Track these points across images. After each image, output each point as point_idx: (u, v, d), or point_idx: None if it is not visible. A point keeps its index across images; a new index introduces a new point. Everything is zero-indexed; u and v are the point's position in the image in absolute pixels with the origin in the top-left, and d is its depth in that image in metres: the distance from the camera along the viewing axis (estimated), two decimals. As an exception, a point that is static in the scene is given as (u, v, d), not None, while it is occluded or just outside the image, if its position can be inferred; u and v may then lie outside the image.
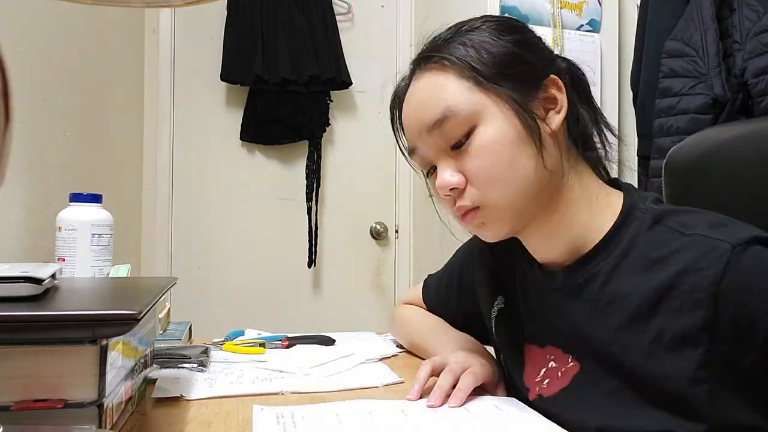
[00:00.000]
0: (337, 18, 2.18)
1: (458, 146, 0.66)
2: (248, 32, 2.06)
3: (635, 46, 1.74)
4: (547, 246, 0.71)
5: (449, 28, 0.71)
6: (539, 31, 1.83)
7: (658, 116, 1.56)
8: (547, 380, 0.72)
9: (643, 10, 1.72)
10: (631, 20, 1.84)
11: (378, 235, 2.28)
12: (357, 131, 2.27)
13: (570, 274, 0.69)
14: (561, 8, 1.74)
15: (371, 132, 2.26)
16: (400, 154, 0.75)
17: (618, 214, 0.68)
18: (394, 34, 2.31)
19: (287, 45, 2.06)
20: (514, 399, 0.75)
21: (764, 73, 1.38)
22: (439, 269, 1.01)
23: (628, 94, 1.78)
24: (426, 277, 1.05)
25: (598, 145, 0.73)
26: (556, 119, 0.67)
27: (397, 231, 2.31)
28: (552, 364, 0.72)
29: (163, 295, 0.65)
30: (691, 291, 0.58)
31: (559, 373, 0.71)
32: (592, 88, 0.75)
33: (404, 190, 2.31)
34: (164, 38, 2.10)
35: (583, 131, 0.72)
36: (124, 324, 0.47)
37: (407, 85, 0.72)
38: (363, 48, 2.25)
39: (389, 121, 0.78)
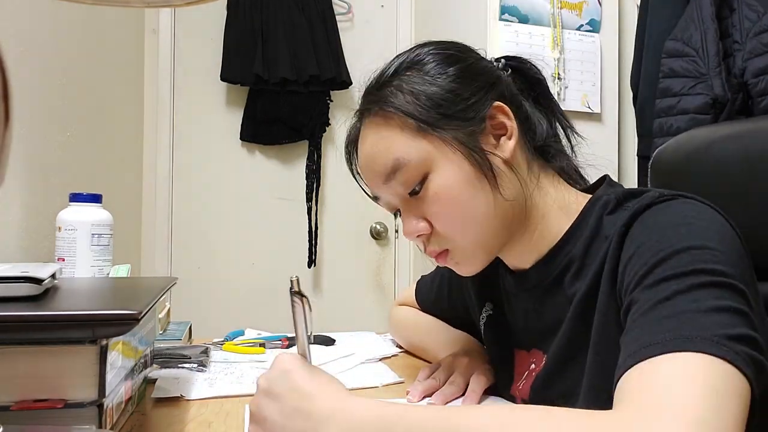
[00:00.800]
0: (337, 18, 2.18)
1: (416, 193, 0.66)
2: (248, 32, 2.06)
3: (635, 46, 1.74)
4: (525, 258, 0.71)
5: (389, 64, 0.71)
6: (539, 31, 1.83)
7: (658, 116, 1.56)
8: (523, 383, 0.73)
9: (643, 10, 1.72)
10: (631, 20, 1.84)
11: (378, 235, 2.28)
12: (357, 131, 2.26)
13: (546, 267, 0.69)
14: (561, 8, 1.74)
15: (371, 132, 2.26)
16: (375, 202, 0.75)
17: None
18: (394, 34, 2.31)
19: (287, 45, 2.06)
20: (501, 398, 0.76)
21: (764, 73, 1.39)
22: (431, 270, 1.01)
23: (628, 94, 1.78)
24: (419, 278, 1.05)
25: (563, 144, 0.73)
26: (509, 145, 0.67)
27: (397, 231, 2.31)
28: (532, 366, 0.72)
29: (162, 295, 0.65)
30: (612, 255, 0.59)
31: (534, 374, 0.71)
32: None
33: (404, 190, 2.31)
34: (164, 38, 2.10)
35: (542, 141, 0.71)
36: (125, 324, 0.47)
37: (357, 132, 0.73)
38: (363, 48, 2.25)
39: (349, 169, 0.78)
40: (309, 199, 2.19)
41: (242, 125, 2.15)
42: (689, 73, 1.51)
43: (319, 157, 2.20)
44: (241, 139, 2.16)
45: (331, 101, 2.19)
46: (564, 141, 0.74)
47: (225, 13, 2.09)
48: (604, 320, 0.59)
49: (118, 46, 1.74)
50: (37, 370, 0.46)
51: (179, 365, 0.87)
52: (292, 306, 0.56)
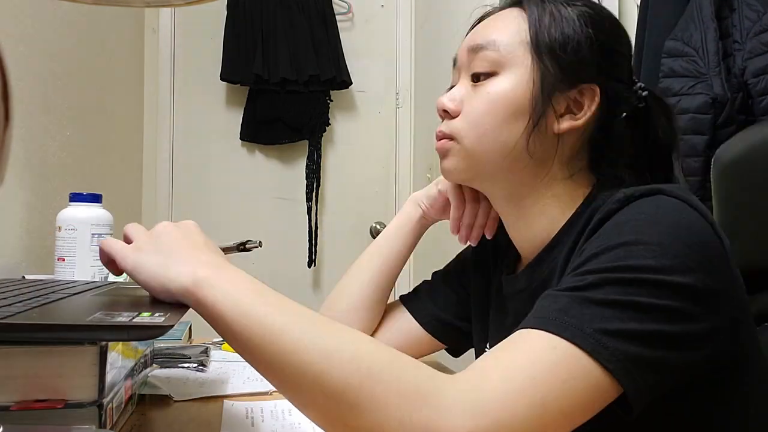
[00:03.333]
0: (337, 18, 2.18)
1: (477, 81, 0.68)
2: (248, 32, 2.06)
3: (635, 45, 1.74)
4: (522, 231, 0.71)
5: None
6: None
7: (658, 116, 1.56)
8: None
9: (643, 9, 1.72)
10: (631, 20, 1.84)
11: (378, 234, 2.28)
12: (357, 131, 2.27)
13: (533, 272, 0.69)
14: (561, 8, 1.74)
15: (371, 132, 2.26)
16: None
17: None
18: (394, 34, 2.31)
19: (287, 45, 2.06)
20: None
21: (764, 72, 1.38)
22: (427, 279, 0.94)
23: (628, 94, 1.78)
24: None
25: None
26: (567, 123, 0.66)
27: (397, 231, 2.31)
28: None
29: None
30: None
31: None
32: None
33: (404, 190, 2.31)
34: (164, 38, 2.10)
35: (602, 159, 0.69)
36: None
37: (497, 11, 0.73)
38: (363, 48, 2.25)
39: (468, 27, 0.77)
40: (309, 199, 2.19)
41: (242, 125, 2.15)
42: (689, 73, 1.51)
43: (319, 157, 2.20)
44: (241, 139, 2.16)
45: (331, 101, 2.19)
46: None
47: (225, 13, 2.09)
48: None
49: (118, 46, 1.74)
50: (37, 370, 0.46)
51: (179, 365, 0.87)
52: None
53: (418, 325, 0.86)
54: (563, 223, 0.67)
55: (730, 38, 1.47)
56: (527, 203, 0.69)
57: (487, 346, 0.79)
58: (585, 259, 0.53)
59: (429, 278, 0.93)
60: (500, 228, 0.77)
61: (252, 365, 0.49)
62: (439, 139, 0.70)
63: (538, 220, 0.69)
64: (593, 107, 0.66)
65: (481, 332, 0.82)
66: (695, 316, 0.49)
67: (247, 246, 0.57)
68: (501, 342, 0.50)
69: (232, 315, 0.48)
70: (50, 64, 1.22)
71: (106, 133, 1.60)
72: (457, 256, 0.90)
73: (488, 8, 0.75)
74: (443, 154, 0.71)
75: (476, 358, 0.83)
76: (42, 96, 1.18)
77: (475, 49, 0.68)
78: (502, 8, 0.73)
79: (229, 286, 0.50)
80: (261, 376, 0.50)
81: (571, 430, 0.47)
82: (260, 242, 0.58)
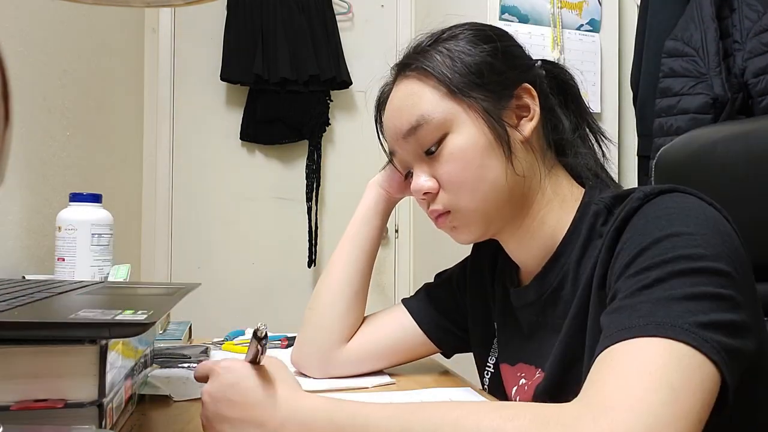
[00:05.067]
0: (337, 18, 2.18)
1: (431, 153, 0.68)
2: (248, 32, 2.06)
3: (635, 45, 1.74)
4: (524, 247, 0.72)
5: (430, 35, 0.73)
6: (539, 30, 1.83)
7: (658, 116, 1.56)
8: (518, 397, 0.73)
9: (643, 9, 1.72)
10: (631, 20, 1.84)
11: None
12: (357, 131, 2.26)
13: (542, 283, 0.69)
14: (561, 8, 1.74)
15: (371, 132, 2.24)
16: (389, 159, 0.77)
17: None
18: (394, 34, 2.31)
19: (287, 45, 2.06)
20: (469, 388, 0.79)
21: (764, 72, 1.39)
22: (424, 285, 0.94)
23: (628, 94, 1.78)
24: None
25: (582, 150, 0.73)
26: (528, 126, 0.69)
27: (397, 231, 2.31)
28: (522, 381, 0.73)
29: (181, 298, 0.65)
30: (602, 260, 0.60)
31: (526, 388, 0.71)
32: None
33: (404, 190, 2.31)
34: (164, 38, 2.10)
35: (560, 137, 0.73)
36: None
37: (390, 90, 0.74)
38: (363, 48, 2.25)
39: (374, 125, 0.80)
40: (309, 199, 2.19)
41: (242, 125, 2.15)
42: (689, 73, 1.51)
43: (319, 156, 2.20)
44: (241, 139, 2.16)
45: (331, 101, 2.19)
46: (593, 147, 0.76)
47: (225, 13, 2.09)
48: (595, 324, 0.59)
49: (118, 46, 1.74)
50: (37, 370, 0.46)
51: (179, 365, 0.87)
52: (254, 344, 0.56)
53: (419, 328, 0.86)
54: (564, 232, 0.68)
55: (731, 38, 1.47)
56: (527, 221, 0.70)
57: (491, 358, 0.81)
58: (632, 257, 0.54)
59: (430, 280, 0.93)
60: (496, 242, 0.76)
61: None
62: (437, 218, 0.71)
63: (538, 232, 0.70)
64: (536, 101, 0.69)
65: (483, 337, 0.82)
66: (743, 302, 0.51)
67: (261, 336, 0.56)
68: (596, 366, 0.48)
69: None
70: (50, 64, 1.22)
71: (106, 133, 1.60)
72: (459, 263, 0.90)
73: (379, 92, 0.78)
74: (450, 229, 0.71)
75: (476, 363, 0.83)
76: (42, 96, 1.18)
77: (409, 134, 0.69)
78: (392, 84, 0.74)
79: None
80: None
81: (704, 419, 0.45)
82: (265, 325, 0.56)
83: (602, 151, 0.76)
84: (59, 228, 0.98)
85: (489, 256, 0.82)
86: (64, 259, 0.97)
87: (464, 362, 0.91)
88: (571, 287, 0.66)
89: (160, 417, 0.67)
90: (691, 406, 0.44)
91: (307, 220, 2.19)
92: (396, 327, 0.87)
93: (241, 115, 2.15)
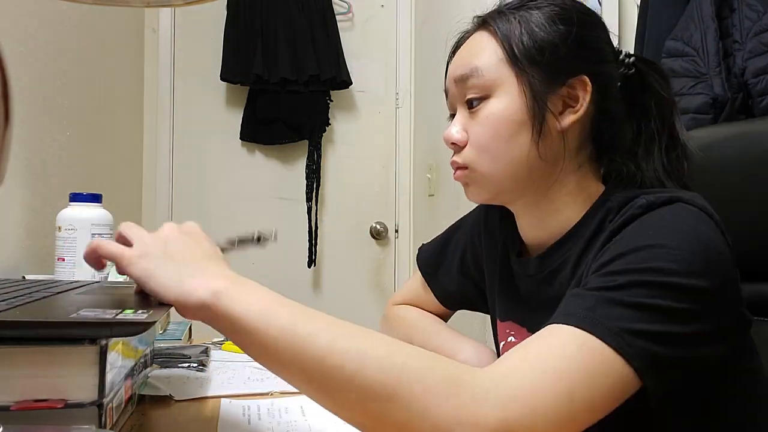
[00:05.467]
0: (337, 18, 2.18)
1: (473, 107, 0.70)
2: (248, 32, 2.06)
3: (635, 45, 1.74)
4: (535, 228, 0.74)
5: None
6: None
7: (658, 116, 1.56)
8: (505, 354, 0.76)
9: (643, 9, 1.72)
10: (631, 20, 1.84)
11: (378, 235, 2.28)
12: (357, 131, 2.26)
13: (543, 261, 0.72)
14: (561, 8, 1.74)
15: (371, 132, 2.26)
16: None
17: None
18: (394, 34, 2.30)
19: (287, 45, 2.06)
20: None
21: (764, 72, 1.38)
22: (434, 238, 1.00)
23: (628, 94, 1.78)
24: (420, 245, 1.03)
25: (643, 161, 0.71)
26: (569, 118, 0.69)
27: (397, 231, 2.31)
28: (511, 338, 0.77)
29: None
30: (594, 257, 0.62)
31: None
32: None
33: (404, 190, 2.31)
34: (164, 38, 2.10)
35: (611, 141, 0.72)
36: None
37: (466, 38, 0.75)
38: (363, 48, 2.25)
39: (446, 60, 0.79)
40: (309, 199, 2.19)
41: (242, 125, 2.15)
42: (689, 73, 1.51)
43: (319, 157, 2.20)
44: (241, 139, 2.16)
45: (331, 101, 2.19)
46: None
47: (225, 13, 2.09)
48: None
49: (118, 46, 1.74)
50: (37, 370, 0.46)
51: (179, 365, 0.87)
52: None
53: (437, 300, 0.97)
54: (576, 221, 0.70)
55: (730, 38, 1.47)
56: (543, 204, 0.72)
57: (496, 315, 0.84)
58: (611, 258, 0.57)
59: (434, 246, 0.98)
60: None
61: (277, 373, 0.50)
62: (456, 170, 0.73)
63: (552, 219, 0.72)
64: (587, 96, 0.69)
65: (492, 295, 0.86)
66: (709, 317, 0.54)
67: (262, 238, 0.57)
68: (530, 336, 0.53)
69: (256, 326, 0.48)
70: (50, 64, 1.22)
71: (106, 133, 1.60)
72: (472, 218, 0.93)
73: (459, 35, 0.78)
74: (463, 183, 0.74)
75: (492, 324, 0.87)
76: (42, 96, 1.18)
77: (461, 80, 0.71)
78: (471, 32, 0.75)
79: (250, 298, 0.50)
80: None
81: (595, 421, 0.50)
82: (275, 233, 0.58)
83: (681, 163, 0.72)
84: (59, 228, 0.98)
85: (498, 217, 0.85)
86: (64, 259, 0.97)
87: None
88: (569, 274, 0.68)
89: (160, 417, 0.67)
90: (584, 420, 0.48)
91: (307, 220, 2.19)
92: (420, 301, 0.99)
93: (241, 115, 2.15)
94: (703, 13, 1.50)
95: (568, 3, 0.72)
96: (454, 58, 0.75)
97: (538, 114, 0.67)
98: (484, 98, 0.69)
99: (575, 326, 0.51)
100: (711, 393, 0.60)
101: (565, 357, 0.49)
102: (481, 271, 0.88)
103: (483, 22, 0.73)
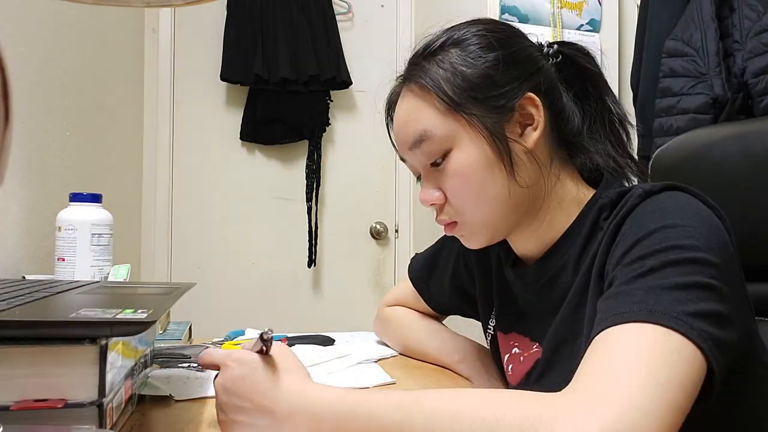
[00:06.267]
0: (337, 18, 2.18)
1: (437, 164, 0.69)
2: (248, 32, 2.06)
3: (635, 46, 1.74)
4: (530, 244, 0.74)
5: (437, 36, 0.72)
6: (539, 30, 1.82)
7: (658, 116, 1.56)
8: (510, 365, 0.77)
9: (643, 9, 1.72)
10: (631, 20, 1.84)
11: (378, 235, 2.28)
12: (357, 131, 2.27)
13: (542, 267, 0.72)
14: (561, 8, 1.75)
15: (371, 132, 2.26)
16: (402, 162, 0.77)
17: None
18: (394, 34, 2.31)
19: (287, 45, 2.06)
20: None
21: (764, 72, 1.38)
22: (426, 249, 1.01)
23: (628, 94, 1.78)
24: (414, 255, 1.04)
25: (599, 142, 0.73)
26: (532, 136, 0.68)
27: (397, 231, 2.31)
28: (515, 350, 0.76)
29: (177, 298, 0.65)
30: (602, 251, 0.62)
31: (522, 358, 0.74)
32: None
33: (404, 190, 2.31)
34: (164, 38, 2.10)
35: (571, 135, 0.72)
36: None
37: (396, 98, 0.75)
38: (363, 48, 2.25)
39: (386, 128, 0.81)
40: (309, 199, 2.19)
41: (242, 125, 2.15)
42: (689, 73, 1.51)
43: (319, 157, 2.20)
44: (241, 139, 2.16)
45: (331, 101, 2.19)
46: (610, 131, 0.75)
47: (225, 13, 2.09)
48: (593, 310, 0.61)
49: (118, 46, 1.74)
50: (37, 370, 0.46)
51: (179, 365, 0.87)
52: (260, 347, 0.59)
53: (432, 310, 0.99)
54: (568, 225, 0.70)
55: (730, 38, 1.47)
56: (535, 223, 0.71)
57: (492, 321, 0.84)
58: (628, 247, 0.56)
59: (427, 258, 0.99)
60: None
61: None
62: (446, 226, 0.73)
63: (545, 231, 0.71)
64: (539, 109, 0.68)
65: (486, 303, 0.86)
66: (728, 296, 0.53)
67: (267, 339, 0.59)
68: (590, 349, 0.51)
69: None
70: (50, 64, 1.22)
71: (106, 133, 1.60)
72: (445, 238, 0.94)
73: (393, 96, 0.78)
74: (459, 238, 0.74)
75: (482, 324, 0.87)
76: (42, 96, 1.18)
77: (413, 146, 0.70)
78: (398, 92, 0.74)
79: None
80: None
81: (691, 405, 0.47)
82: (271, 330, 0.60)
83: (626, 135, 0.75)
84: (59, 228, 0.98)
85: None
86: (64, 259, 0.97)
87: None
88: (571, 275, 0.68)
89: (160, 417, 0.67)
90: (675, 400, 0.45)
91: (307, 220, 2.19)
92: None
93: (241, 115, 2.15)
94: (703, 13, 1.50)
95: (481, 28, 0.71)
96: (395, 127, 0.74)
97: (502, 149, 0.66)
98: (444, 154, 0.68)
99: (635, 321, 0.49)
100: (733, 381, 0.57)
101: (641, 352, 0.47)
102: (474, 283, 0.88)
103: (407, 81, 0.72)
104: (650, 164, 0.95)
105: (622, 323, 0.50)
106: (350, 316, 2.19)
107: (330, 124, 2.21)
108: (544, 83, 0.70)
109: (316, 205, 2.20)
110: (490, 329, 0.84)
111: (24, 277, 0.99)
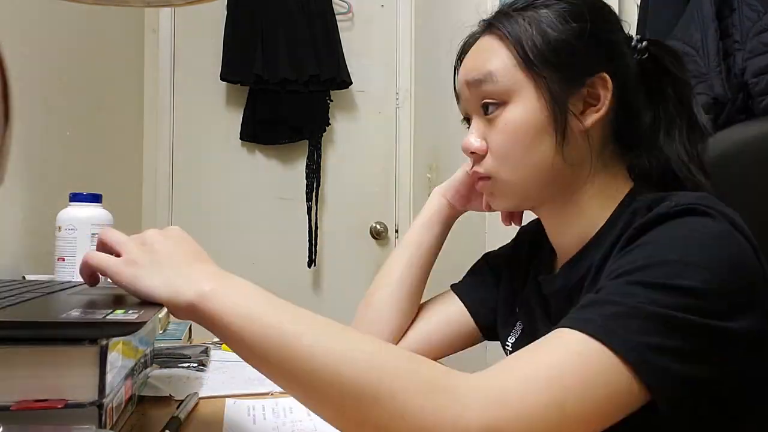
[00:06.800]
0: (337, 18, 2.18)
1: (489, 113, 0.68)
2: (248, 32, 2.06)
3: (635, 45, 1.74)
4: (561, 230, 0.72)
5: None
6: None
7: (658, 116, 1.56)
8: None
9: (643, 9, 1.72)
10: (631, 20, 1.84)
11: (378, 235, 2.28)
12: (357, 131, 2.26)
13: (570, 272, 0.69)
14: (561, 8, 1.74)
15: (371, 132, 2.26)
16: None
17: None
18: (394, 34, 2.30)
19: (287, 44, 2.06)
20: None
21: (764, 72, 1.38)
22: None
23: (628, 94, 1.78)
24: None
25: (665, 148, 0.69)
26: (592, 117, 0.67)
27: (397, 231, 2.31)
28: None
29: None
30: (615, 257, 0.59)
31: None
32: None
33: (404, 190, 2.31)
34: (164, 38, 2.10)
35: (634, 135, 0.70)
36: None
37: (474, 40, 0.73)
38: (363, 48, 2.25)
39: (453, 65, 0.77)
40: (309, 199, 2.19)
41: (242, 125, 2.15)
42: (689, 73, 1.51)
43: (319, 156, 2.20)
44: (241, 139, 2.16)
45: (331, 101, 2.19)
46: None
47: (225, 13, 2.09)
48: None
49: (118, 46, 1.74)
50: (37, 370, 0.46)
51: (179, 365, 0.87)
52: None
53: (467, 313, 0.86)
54: (602, 224, 0.68)
55: (731, 38, 1.47)
56: (569, 206, 0.70)
57: (511, 338, 0.80)
58: (633, 267, 0.53)
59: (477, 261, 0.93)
60: (539, 228, 0.77)
61: (263, 372, 0.49)
62: (478, 179, 0.71)
63: (578, 220, 0.69)
64: (609, 93, 0.67)
65: (506, 318, 0.82)
66: (731, 336, 0.50)
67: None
68: (542, 339, 0.50)
69: (241, 324, 0.48)
70: (50, 64, 1.22)
71: (106, 133, 1.60)
72: (508, 246, 0.90)
73: (465, 38, 0.76)
74: (487, 194, 0.72)
75: (502, 347, 0.83)
76: (42, 96, 1.17)
77: (474, 84, 0.69)
78: (477, 35, 0.73)
79: (237, 297, 0.51)
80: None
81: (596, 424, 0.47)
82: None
83: (697, 149, 0.70)
84: (59, 228, 0.98)
85: (528, 244, 0.83)
86: (64, 259, 0.97)
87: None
88: (591, 280, 0.65)
89: (160, 417, 0.67)
90: (574, 406, 0.45)
91: (307, 220, 2.19)
92: (444, 318, 0.87)
93: (241, 115, 2.15)
94: (703, 13, 1.50)
95: None
96: (464, 61, 0.73)
97: (559, 119, 0.65)
98: (500, 104, 0.67)
99: (585, 332, 0.48)
100: (729, 414, 0.54)
101: (563, 363, 0.46)
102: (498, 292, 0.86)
103: (489, 25, 0.70)
104: None
105: (580, 330, 0.48)
106: (350, 316, 2.18)
107: (330, 124, 2.21)
108: (621, 71, 0.68)
109: (316, 205, 2.20)
110: (508, 346, 0.80)
111: (24, 277, 0.99)
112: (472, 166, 0.71)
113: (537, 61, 0.66)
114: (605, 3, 0.73)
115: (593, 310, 0.50)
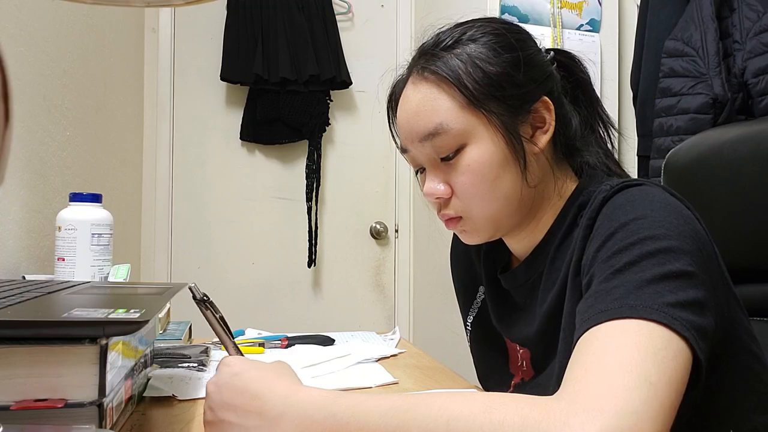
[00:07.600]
0: (337, 18, 2.18)
1: (447, 159, 0.68)
2: (248, 32, 2.06)
3: (635, 45, 1.74)
4: (524, 243, 0.74)
5: (451, 31, 0.71)
6: (539, 30, 1.82)
7: (658, 116, 1.56)
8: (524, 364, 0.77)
9: (643, 9, 1.72)
10: (631, 20, 1.84)
11: (378, 234, 2.28)
12: (357, 131, 2.27)
13: (529, 266, 0.73)
14: (561, 8, 1.74)
15: (371, 132, 2.26)
16: (401, 153, 0.77)
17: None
18: (394, 34, 2.31)
19: (287, 44, 2.06)
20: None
21: (764, 72, 1.38)
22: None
23: (628, 94, 1.78)
24: None
25: (593, 147, 0.75)
26: (543, 139, 0.69)
27: (397, 231, 2.31)
28: (518, 357, 0.77)
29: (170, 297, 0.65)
30: (578, 247, 0.63)
31: (524, 363, 0.75)
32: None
33: (404, 189, 2.31)
34: (164, 38, 2.10)
35: (571, 139, 0.73)
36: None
37: (404, 85, 0.73)
38: (363, 48, 2.25)
39: (386, 116, 0.81)
40: (309, 199, 2.19)
41: (242, 125, 2.15)
42: (689, 73, 1.51)
43: (319, 156, 2.20)
44: (241, 139, 2.16)
45: (331, 101, 2.19)
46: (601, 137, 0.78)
47: (225, 13, 2.09)
48: (571, 307, 0.62)
49: (118, 46, 1.74)
50: (37, 370, 0.46)
51: (179, 365, 0.87)
52: (202, 313, 0.58)
53: None
54: (551, 222, 0.71)
55: (730, 38, 1.47)
56: (533, 222, 0.72)
57: (470, 317, 0.85)
58: (602, 241, 0.57)
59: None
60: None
61: None
62: (447, 221, 0.72)
63: (537, 228, 0.73)
64: (551, 113, 0.69)
65: (465, 301, 0.87)
66: (705, 282, 0.54)
67: (199, 298, 0.59)
68: (577, 350, 0.50)
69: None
70: (50, 64, 1.22)
71: (106, 133, 1.60)
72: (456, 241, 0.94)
73: (400, 84, 0.76)
74: (459, 232, 0.73)
75: (464, 326, 0.88)
76: (42, 96, 1.17)
77: (426, 138, 0.68)
78: (411, 80, 0.71)
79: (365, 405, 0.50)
80: None
81: (680, 400, 0.47)
82: (194, 284, 0.60)
83: (610, 141, 0.77)
84: (59, 228, 0.98)
85: (471, 249, 0.86)
86: (64, 259, 0.97)
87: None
88: (549, 274, 0.69)
89: (161, 417, 0.67)
90: (667, 398, 0.46)
91: (307, 220, 2.19)
92: None
93: (241, 115, 2.15)
94: (703, 13, 1.50)
95: (498, 27, 0.70)
96: (403, 117, 0.71)
97: (518, 148, 0.67)
98: (458, 149, 0.67)
99: (618, 319, 0.49)
100: (714, 367, 0.57)
101: (629, 351, 0.47)
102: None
103: (422, 70, 0.69)
104: (663, 164, 0.95)
105: (606, 321, 0.50)
106: (350, 316, 2.19)
107: (330, 124, 2.21)
108: (554, 88, 0.71)
109: (316, 205, 2.20)
110: (468, 326, 0.86)
111: (24, 277, 0.99)
112: (439, 210, 0.72)
113: (482, 98, 0.66)
114: (519, 25, 0.74)
115: (604, 298, 0.52)
